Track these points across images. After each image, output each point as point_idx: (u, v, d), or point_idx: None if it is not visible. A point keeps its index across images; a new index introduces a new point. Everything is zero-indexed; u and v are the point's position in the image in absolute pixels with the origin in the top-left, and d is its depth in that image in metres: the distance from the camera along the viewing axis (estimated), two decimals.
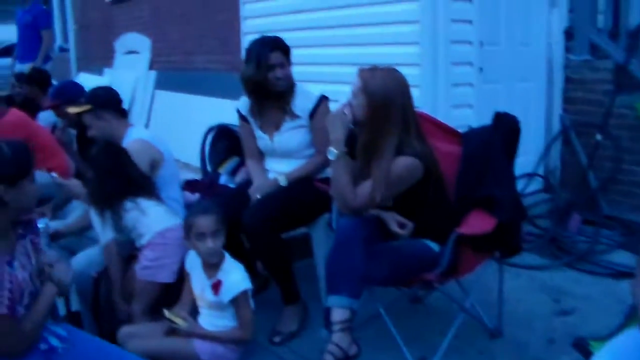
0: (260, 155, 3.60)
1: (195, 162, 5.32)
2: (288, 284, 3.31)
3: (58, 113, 4.52)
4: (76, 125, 4.39)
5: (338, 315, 2.59)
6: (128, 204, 3.09)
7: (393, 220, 2.80)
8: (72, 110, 3.62)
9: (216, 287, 2.86)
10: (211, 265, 2.88)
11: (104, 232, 3.12)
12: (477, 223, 2.80)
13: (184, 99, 7.14)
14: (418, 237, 2.83)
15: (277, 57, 3.30)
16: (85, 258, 3.27)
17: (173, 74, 7.78)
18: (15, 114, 4.72)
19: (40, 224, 3.27)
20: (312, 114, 3.39)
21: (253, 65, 3.30)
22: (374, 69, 2.76)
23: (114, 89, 3.65)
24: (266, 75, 3.28)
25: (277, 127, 3.45)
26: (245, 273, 2.91)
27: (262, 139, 3.51)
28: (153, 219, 3.09)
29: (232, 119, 5.71)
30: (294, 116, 3.41)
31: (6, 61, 9.85)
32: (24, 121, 4.74)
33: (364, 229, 2.70)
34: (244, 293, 2.84)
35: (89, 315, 3.30)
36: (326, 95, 3.44)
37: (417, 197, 2.78)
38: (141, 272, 3.07)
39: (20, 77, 5.75)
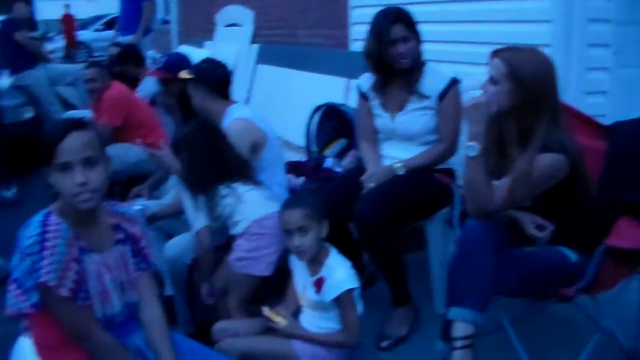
0: (376, 138, 3.28)
1: (296, 140, 5.12)
2: (399, 284, 3.03)
3: (166, 84, 4.34)
4: (177, 99, 4.23)
5: (461, 330, 2.28)
6: (224, 190, 2.86)
7: (530, 222, 2.45)
8: (182, 75, 3.43)
9: (318, 284, 2.57)
10: (314, 261, 2.61)
11: (196, 218, 2.89)
12: (631, 235, 2.38)
13: (286, 74, 6.91)
14: (554, 244, 2.47)
15: (399, 30, 2.97)
16: (180, 244, 3.10)
17: (276, 48, 7.57)
18: (117, 87, 4.64)
19: (137, 206, 3.12)
20: (442, 97, 3.05)
21: (373, 39, 3.01)
22: (515, 49, 2.40)
23: (224, 66, 3.40)
24: (387, 50, 2.97)
25: (400, 106, 3.12)
26: (352, 270, 2.62)
27: (382, 118, 3.19)
28: (250, 206, 2.86)
29: (336, 97, 5.47)
30: (422, 96, 3.07)
31: (110, 34, 9.95)
32: (127, 96, 4.65)
33: (494, 233, 2.35)
34: (349, 293, 2.54)
35: (182, 302, 3.15)
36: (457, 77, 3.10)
37: (558, 198, 2.42)
38: (236, 264, 2.84)
39: (113, 61, 5.70)
